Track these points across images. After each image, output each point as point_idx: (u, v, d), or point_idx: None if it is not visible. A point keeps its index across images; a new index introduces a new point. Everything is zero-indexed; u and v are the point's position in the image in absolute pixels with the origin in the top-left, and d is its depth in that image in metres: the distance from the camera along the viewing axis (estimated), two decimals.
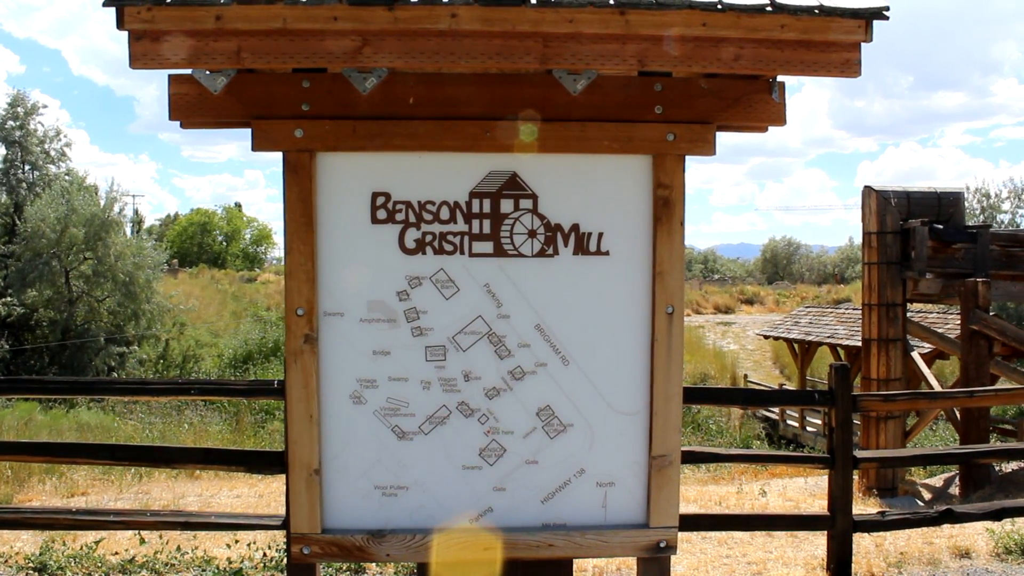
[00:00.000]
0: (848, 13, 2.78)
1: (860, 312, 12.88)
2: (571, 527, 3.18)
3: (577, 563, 4.98)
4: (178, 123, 3.09)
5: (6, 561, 5.54)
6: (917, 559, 5.85)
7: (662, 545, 3.18)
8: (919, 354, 12.86)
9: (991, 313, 11.07)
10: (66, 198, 28.77)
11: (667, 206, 3.10)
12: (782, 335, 26.32)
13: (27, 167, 31.87)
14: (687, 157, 3.10)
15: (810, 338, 23.99)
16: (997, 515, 5.69)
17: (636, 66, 2.81)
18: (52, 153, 32.81)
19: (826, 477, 5.66)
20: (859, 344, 13.81)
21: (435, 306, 3.11)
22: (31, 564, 5.44)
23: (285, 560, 4.56)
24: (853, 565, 5.48)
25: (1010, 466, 11.24)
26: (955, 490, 11.41)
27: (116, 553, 5.69)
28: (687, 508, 7.75)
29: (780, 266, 76.07)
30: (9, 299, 27.42)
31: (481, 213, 3.10)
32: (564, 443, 3.16)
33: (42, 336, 28.42)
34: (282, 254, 3.11)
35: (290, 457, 3.09)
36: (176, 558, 5.54)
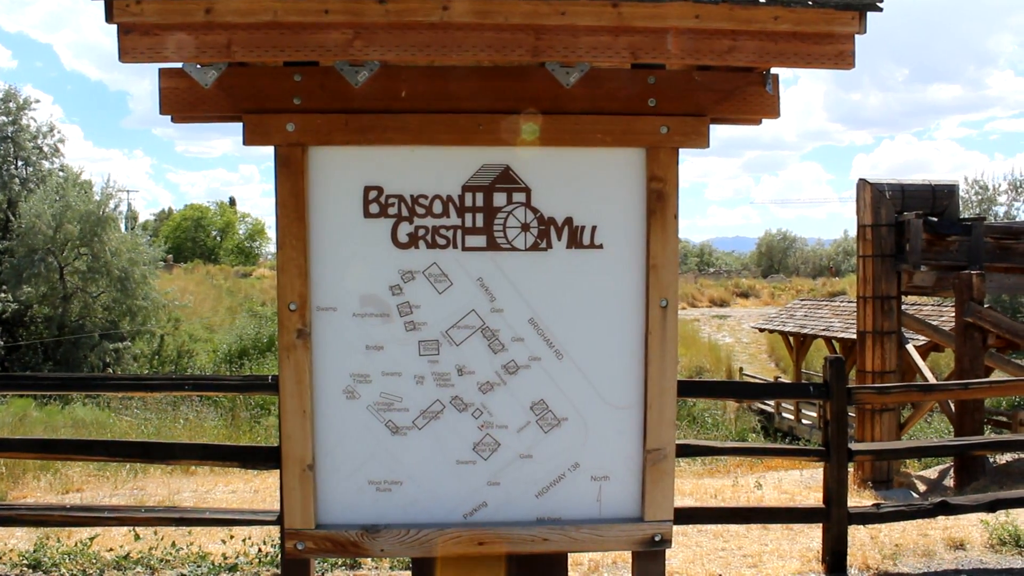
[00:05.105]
0: (842, 5, 2.78)
1: (855, 305, 12.90)
2: (566, 521, 3.17)
3: (572, 557, 4.98)
4: (170, 117, 3.08)
5: (0, 558, 5.53)
6: (912, 551, 5.86)
7: (657, 539, 3.18)
8: (914, 347, 12.89)
9: (986, 305, 11.09)
10: (61, 194, 28.69)
11: (661, 199, 3.09)
12: (777, 328, 26.39)
13: (20, 163, 31.74)
14: (681, 150, 3.09)
15: (805, 331, 24.06)
16: (991, 507, 5.72)
17: (629, 59, 2.81)
18: (45, 149, 32.72)
19: (821, 470, 5.67)
20: (854, 337, 13.84)
21: (428, 300, 3.09)
22: (25, 561, 5.42)
23: (280, 555, 4.56)
24: (848, 557, 5.49)
25: (1004, 458, 11.28)
26: (950, 482, 11.45)
27: (111, 549, 5.68)
28: (683, 501, 7.77)
29: (775, 259, 76.05)
30: (4, 295, 27.34)
31: (474, 207, 3.09)
32: (558, 437, 3.16)
33: (37, 332, 28.36)
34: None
35: (284, 452, 3.09)
36: (171, 554, 5.53)
